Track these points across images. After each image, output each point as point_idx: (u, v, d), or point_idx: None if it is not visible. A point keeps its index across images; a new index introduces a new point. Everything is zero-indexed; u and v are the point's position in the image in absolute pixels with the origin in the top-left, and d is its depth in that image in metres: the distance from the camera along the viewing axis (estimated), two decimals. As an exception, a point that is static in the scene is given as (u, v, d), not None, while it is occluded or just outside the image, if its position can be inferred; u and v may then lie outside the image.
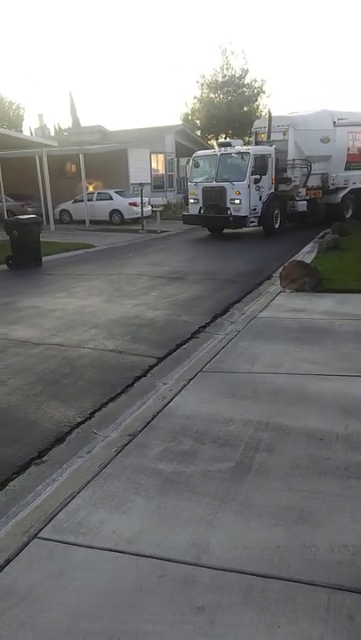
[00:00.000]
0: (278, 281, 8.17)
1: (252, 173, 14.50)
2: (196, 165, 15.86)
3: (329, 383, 4.32)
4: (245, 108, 36.10)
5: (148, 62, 72.79)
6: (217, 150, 15.99)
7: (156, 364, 5.14)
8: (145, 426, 3.73)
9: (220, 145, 16.50)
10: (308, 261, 9.54)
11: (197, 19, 65.04)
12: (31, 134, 28.95)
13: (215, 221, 15.54)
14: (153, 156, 24.93)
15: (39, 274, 10.98)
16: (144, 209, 19.04)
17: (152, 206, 19.43)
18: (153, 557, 2.41)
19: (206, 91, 36.65)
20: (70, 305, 7.81)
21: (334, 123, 16.43)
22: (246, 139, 38.34)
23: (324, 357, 4.92)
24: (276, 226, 15.58)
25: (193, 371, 4.78)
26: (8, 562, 2.42)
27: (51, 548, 2.51)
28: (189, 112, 37.15)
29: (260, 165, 14.70)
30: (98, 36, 71.62)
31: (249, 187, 14.54)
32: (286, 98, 63.48)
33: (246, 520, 2.63)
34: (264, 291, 8.17)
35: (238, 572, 2.29)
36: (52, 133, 32.94)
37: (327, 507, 2.70)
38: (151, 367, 5.07)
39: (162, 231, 17.85)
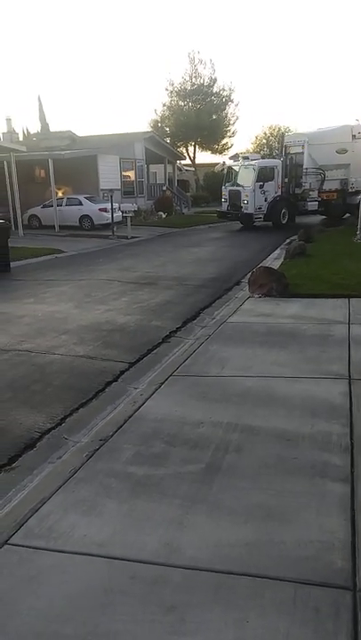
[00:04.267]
0: (247, 286, 8.31)
1: (257, 180, 18.89)
2: (228, 173, 20.58)
3: (296, 385, 4.43)
4: (214, 117, 36.57)
5: (118, 67, 72.91)
6: (240, 162, 20.48)
7: (128, 369, 5.16)
8: (116, 430, 3.74)
9: (243, 158, 21.03)
10: (276, 267, 9.74)
11: (167, 26, 65.62)
12: (-1, 139, 28.47)
13: (236, 217, 19.80)
14: (123, 162, 24.92)
15: (7, 279, 10.82)
16: (114, 215, 19.02)
17: (122, 212, 19.42)
18: (124, 559, 2.44)
19: (175, 98, 36.96)
20: (39, 311, 7.74)
21: (354, 136, 19.25)
22: (215, 147, 38.86)
23: (292, 360, 5.04)
24: (284, 222, 19.41)
25: (164, 375, 4.82)
26: (-23, 569, 2.40)
27: (21, 553, 2.50)
28: (159, 119, 37.35)
29: (264, 174, 19.05)
30: (68, 40, 71.25)
31: (254, 191, 18.89)
32: (255, 107, 64.59)
33: (216, 519, 2.69)
34: (233, 296, 8.30)
35: (208, 571, 2.34)
36: (21, 138, 32.48)
37: (294, 504, 2.78)
38: (122, 372, 5.08)
39: (132, 237, 17.86)
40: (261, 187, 18.86)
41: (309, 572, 2.30)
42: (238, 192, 19.36)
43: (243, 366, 4.93)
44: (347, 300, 7.34)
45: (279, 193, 19.35)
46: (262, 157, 22.68)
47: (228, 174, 20.51)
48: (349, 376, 4.55)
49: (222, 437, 3.54)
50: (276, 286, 7.85)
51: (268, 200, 19.11)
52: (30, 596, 2.23)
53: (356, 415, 3.78)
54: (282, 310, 7.03)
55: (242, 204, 19.18)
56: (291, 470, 3.11)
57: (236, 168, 20.21)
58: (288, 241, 14.63)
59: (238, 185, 19.47)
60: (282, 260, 11.43)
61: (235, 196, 19.60)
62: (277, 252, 13.19)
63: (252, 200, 18.89)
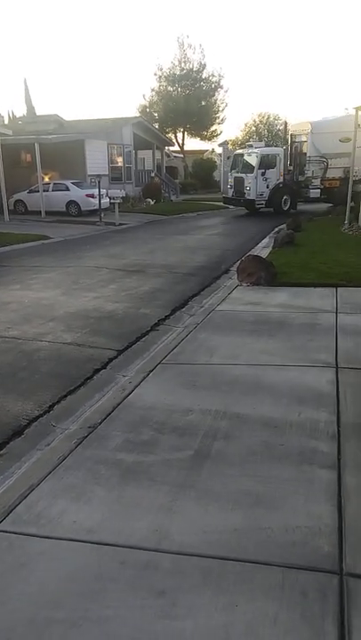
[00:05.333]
0: (235, 275, 8.32)
1: (259, 167, 19.60)
2: (234, 160, 21.51)
3: (284, 373, 4.46)
4: (203, 103, 36.30)
5: (105, 51, 71.64)
6: (244, 150, 21.60)
7: (116, 357, 5.14)
8: (105, 418, 3.74)
9: (247, 146, 22.25)
10: (265, 256, 9.76)
11: (156, 9, 64.51)
12: (-17, 121, 27.82)
13: (240, 202, 20.78)
14: (111, 148, 24.59)
15: (-7, 265, 10.68)
16: (102, 201, 18.81)
17: (110, 198, 19.21)
18: (114, 545, 2.45)
19: (164, 83, 36.56)
20: (26, 297, 7.66)
21: (359, 125, 19.16)
22: (204, 133, 38.58)
23: (280, 349, 5.07)
24: (285, 208, 20.11)
25: (153, 363, 4.82)
26: (-34, 556, 2.39)
27: (10, 539, 2.49)
28: (147, 104, 36.94)
29: (266, 162, 19.71)
30: (54, 23, 69.74)
31: (256, 178, 19.60)
32: (245, 95, 64.02)
33: (205, 506, 2.71)
34: (222, 284, 8.30)
35: (198, 556, 2.36)
36: (6, 121, 31.85)
37: (282, 491, 2.81)
38: (111, 360, 5.06)
39: (120, 224, 17.72)
40: (263, 174, 19.58)
41: (297, 557, 2.33)
42: (242, 179, 20.09)
43: (231, 354, 4.95)
44: (334, 289, 7.39)
45: (281, 180, 20.01)
46: (267, 145, 23.88)
47: (235, 161, 21.35)
48: (336, 364, 4.60)
49: (210, 425, 3.56)
50: (265, 275, 7.87)
51: (270, 187, 19.79)
52: (21, 582, 2.23)
53: (342, 403, 3.83)
54: (270, 299, 7.05)
55: (245, 191, 19.93)
56: (278, 457, 3.14)
57: (239, 157, 21.15)
58: (277, 229, 14.64)
59: (242, 171, 20.37)
60: (270, 248, 11.45)
61: (239, 183, 20.37)
62: (266, 240, 13.20)
63: (254, 186, 19.63)
